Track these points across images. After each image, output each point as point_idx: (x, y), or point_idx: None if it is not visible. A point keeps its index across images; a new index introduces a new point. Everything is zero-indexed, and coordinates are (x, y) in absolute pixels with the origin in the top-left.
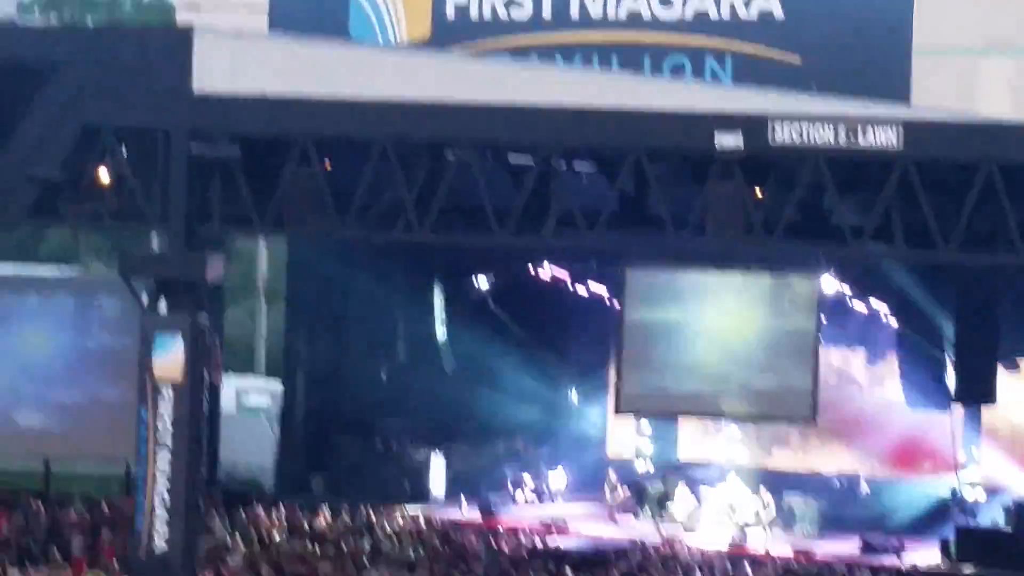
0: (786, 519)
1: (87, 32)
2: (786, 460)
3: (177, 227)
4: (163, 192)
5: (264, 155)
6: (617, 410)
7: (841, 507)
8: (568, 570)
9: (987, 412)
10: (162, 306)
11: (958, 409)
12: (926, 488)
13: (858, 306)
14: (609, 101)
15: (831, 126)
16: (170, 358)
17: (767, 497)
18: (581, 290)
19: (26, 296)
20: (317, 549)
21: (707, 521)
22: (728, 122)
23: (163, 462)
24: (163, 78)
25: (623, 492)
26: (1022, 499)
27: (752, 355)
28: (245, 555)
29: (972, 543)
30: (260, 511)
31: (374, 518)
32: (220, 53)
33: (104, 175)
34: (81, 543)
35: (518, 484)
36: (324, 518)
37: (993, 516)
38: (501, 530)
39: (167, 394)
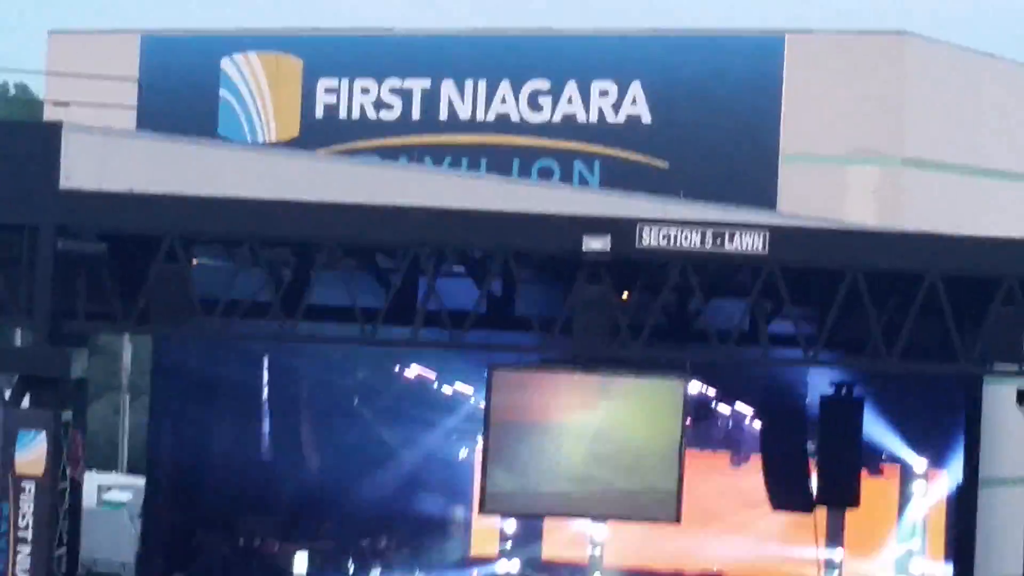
0: None
1: None
2: (652, 560)
3: (41, 323)
4: (28, 288)
5: (131, 252)
6: (481, 509)
7: None
8: None
9: (850, 514)
10: (25, 402)
11: (821, 512)
12: None
13: (723, 409)
14: (477, 203)
15: (698, 231)
16: (32, 454)
17: None
18: (447, 390)
19: None
20: None
21: None
22: (596, 225)
23: (23, 558)
24: (30, 173)
25: None
26: None
27: (617, 457)
28: None
29: None
30: None
31: None
32: (88, 149)
33: None
34: None
35: None
36: None
37: None
38: None
39: (28, 489)
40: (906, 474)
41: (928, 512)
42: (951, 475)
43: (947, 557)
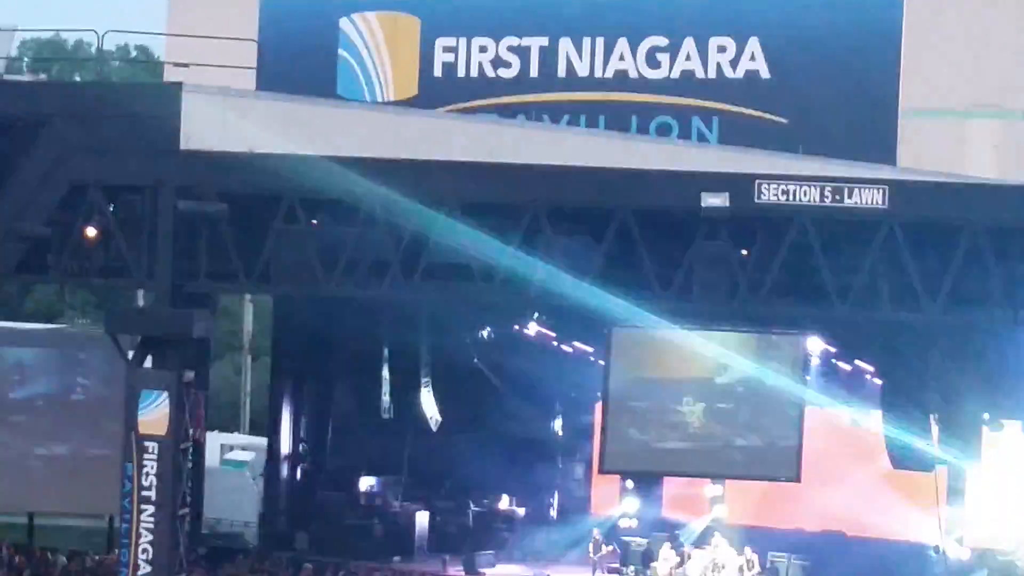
0: None
1: (76, 88)
2: (771, 518)
3: (163, 284)
4: (150, 249)
5: (251, 212)
6: (601, 468)
7: (826, 565)
8: None
9: (972, 471)
10: (148, 362)
11: (943, 469)
12: (911, 547)
13: (843, 366)
14: (596, 160)
15: (817, 186)
16: (155, 414)
17: (752, 556)
18: (567, 348)
19: (10, 350)
20: None
21: None
22: (714, 182)
23: (147, 517)
24: (151, 134)
25: (607, 550)
26: (1007, 558)
27: (738, 414)
28: None
29: None
30: (244, 567)
31: (359, 575)
32: (208, 110)
33: (91, 231)
34: None
35: (503, 541)
36: (308, 574)
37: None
38: None
39: (152, 449)
40: None
41: None
42: None
43: None
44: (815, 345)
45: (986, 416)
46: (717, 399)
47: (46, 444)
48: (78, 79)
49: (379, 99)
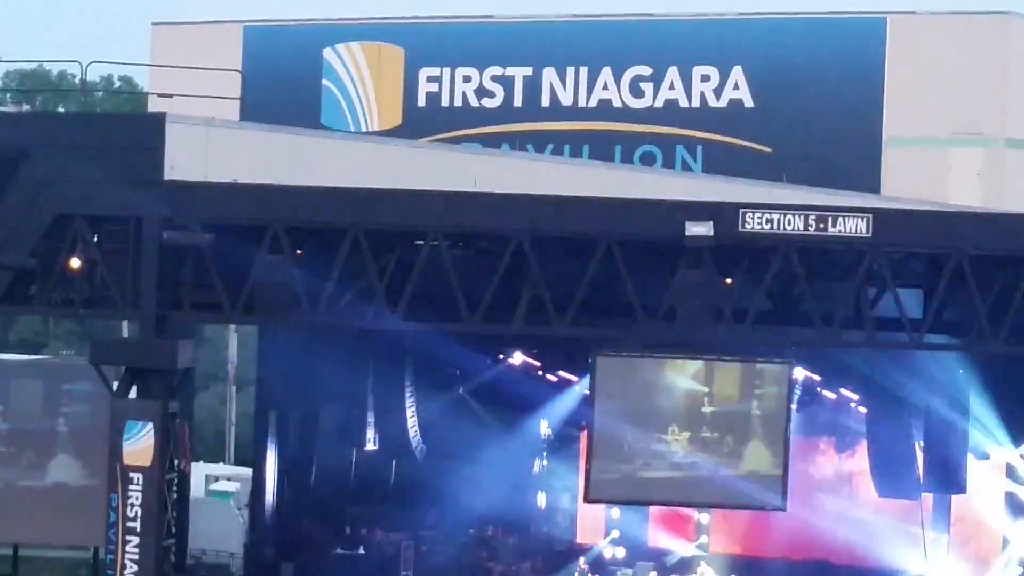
0: None
1: (59, 119)
2: (757, 547)
3: (148, 314)
4: (134, 279)
5: (235, 242)
6: (587, 497)
7: None
8: None
9: (957, 501)
10: (132, 393)
11: (928, 498)
12: (896, 574)
13: (828, 395)
14: (580, 189)
15: (801, 215)
16: (140, 445)
17: None
18: (552, 377)
19: None
20: None
21: None
22: (698, 210)
23: (132, 548)
24: (135, 165)
25: None
26: None
27: (723, 443)
28: None
29: None
30: None
31: None
32: (192, 140)
33: (75, 262)
34: None
35: (489, 571)
36: None
37: None
38: None
39: (137, 480)
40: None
41: None
42: None
43: None
44: (800, 374)
45: (972, 444)
46: (702, 428)
47: (31, 475)
48: (62, 110)
49: (363, 129)
